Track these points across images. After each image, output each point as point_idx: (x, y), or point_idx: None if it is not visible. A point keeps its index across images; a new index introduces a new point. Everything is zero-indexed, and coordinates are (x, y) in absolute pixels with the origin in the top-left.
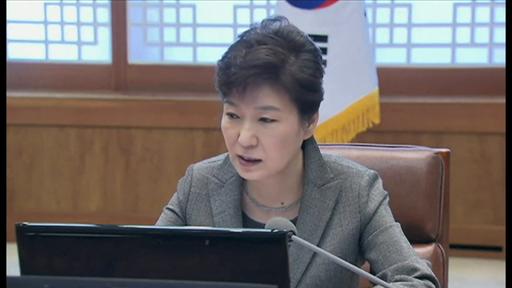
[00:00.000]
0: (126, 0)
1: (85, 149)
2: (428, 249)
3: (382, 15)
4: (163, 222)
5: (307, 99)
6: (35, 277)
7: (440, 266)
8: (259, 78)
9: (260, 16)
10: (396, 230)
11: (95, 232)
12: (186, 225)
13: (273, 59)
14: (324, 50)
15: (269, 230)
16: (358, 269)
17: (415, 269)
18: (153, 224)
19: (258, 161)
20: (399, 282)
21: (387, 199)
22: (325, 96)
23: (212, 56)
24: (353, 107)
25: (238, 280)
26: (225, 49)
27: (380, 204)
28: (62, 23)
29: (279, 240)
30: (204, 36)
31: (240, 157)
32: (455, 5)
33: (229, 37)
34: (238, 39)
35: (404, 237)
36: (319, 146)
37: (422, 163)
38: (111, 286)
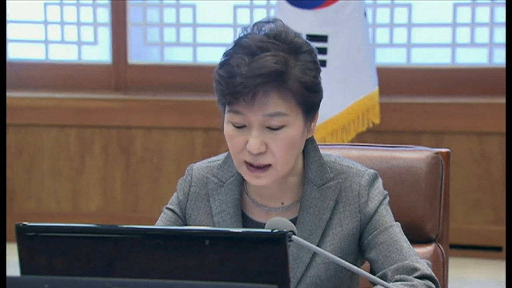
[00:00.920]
0: (126, 0)
1: (85, 149)
2: (428, 249)
3: (382, 15)
4: (163, 222)
5: (311, 100)
6: (35, 277)
7: (440, 266)
8: (267, 86)
9: (260, 16)
10: (396, 230)
11: (95, 232)
12: (186, 225)
13: (279, 66)
14: (324, 50)
15: (269, 230)
16: (358, 269)
17: (415, 269)
18: (153, 224)
19: (267, 166)
20: (399, 282)
21: (387, 198)
22: (325, 96)
23: (212, 56)
24: (353, 107)
25: (238, 280)
26: (225, 49)
27: (380, 204)
28: (62, 23)
29: (279, 240)
30: (204, 36)
31: (249, 164)
32: (455, 5)
33: (229, 37)
34: (234, 44)
35: (404, 237)
36: (319, 146)
37: (422, 163)
38: (111, 286)
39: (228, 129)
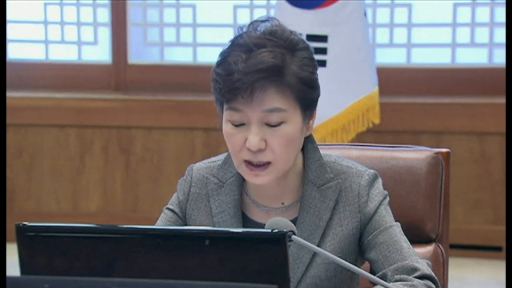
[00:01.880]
0: (126, 0)
1: (85, 149)
2: (428, 249)
3: (382, 15)
4: (163, 222)
5: (308, 96)
6: (35, 277)
7: (440, 266)
8: (265, 81)
9: (260, 16)
10: (396, 230)
11: (95, 232)
12: (186, 225)
13: (277, 61)
14: (324, 50)
15: (269, 230)
16: (358, 269)
17: (415, 269)
18: (153, 224)
19: (267, 164)
20: (399, 282)
21: (387, 199)
22: (325, 96)
23: (212, 56)
24: (353, 107)
25: (238, 280)
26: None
27: (380, 204)
28: (62, 23)
29: (279, 240)
30: (204, 36)
31: (248, 162)
32: (455, 5)
33: (229, 37)
34: (230, 44)
35: (404, 237)
36: (319, 146)
37: (422, 163)
38: (111, 286)
39: (227, 127)
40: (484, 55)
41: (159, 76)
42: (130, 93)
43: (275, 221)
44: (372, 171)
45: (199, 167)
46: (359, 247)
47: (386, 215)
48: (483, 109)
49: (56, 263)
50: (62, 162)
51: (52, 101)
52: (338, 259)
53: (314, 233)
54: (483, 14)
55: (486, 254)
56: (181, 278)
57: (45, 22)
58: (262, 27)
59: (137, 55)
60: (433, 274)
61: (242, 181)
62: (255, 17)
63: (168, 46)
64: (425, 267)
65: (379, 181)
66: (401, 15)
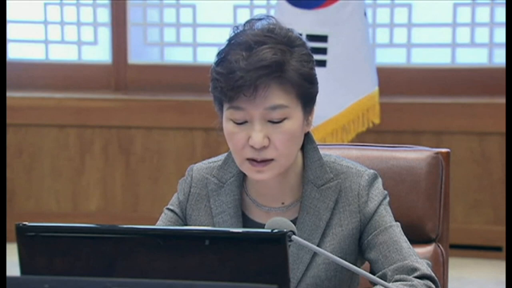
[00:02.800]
0: (126, 0)
1: (85, 149)
2: (428, 249)
3: (382, 15)
4: (163, 222)
5: (309, 92)
6: (35, 277)
7: (440, 266)
8: (267, 78)
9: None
10: (396, 230)
11: (95, 232)
12: (186, 225)
13: (278, 57)
14: (324, 50)
15: (269, 230)
16: (358, 269)
17: (415, 269)
18: (153, 224)
19: (270, 160)
20: (399, 282)
21: (387, 198)
22: (325, 96)
23: (212, 56)
24: (353, 107)
25: (238, 280)
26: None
27: (380, 204)
28: (62, 23)
29: (279, 240)
30: (204, 36)
31: (252, 159)
32: (455, 5)
33: None
34: (228, 43)
35: (404, 237)
36: (319, 146)
37: (422, 163)
38: (111, 286)
39: (228, 126)
40: (484, 55)
41: (159, 76)
42: (130, 93)
43: (275, 221)
44: (372, 171)
45: (199, 167)
46: (359, 247)
47: (386, 215)
48: (483, 109)
49: (56, 263)
50: (62, 162)
51: (52, 101)
52: (338, 259)
53: (314, 233)
54: (483, 14)
55: (486, 254)
56: (181, 278)
57: (45, 22)
58: (259, 25)
59: (137, 55)
60: (433, 274)
61: (242, 181)
62: None
63: (168, 46)
64: (425, 267)
65: (379, 181)
66: (401, 15)
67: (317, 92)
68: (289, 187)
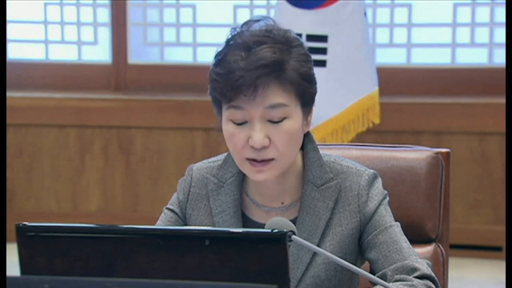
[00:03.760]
0: (126, 0)
1: (85, 149)
2: (428, 249)
3: (382, 15)
4: (163, 222)
5: (308, 91)
6: (35, 277)
7: (440, 266)
8: (267, 77)
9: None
10: (396, 229)
11: (95, 232)
12: (186, 225)
13: (278, 56)
14: (324, 50)
15: (269, 230)
16: (358, 269)
17: (415, 269)
18: (153, 224)
19: (270, 160)
20: (399, 282)
21: (387, 198)
22: (325, 96)
23: (212, 56)
24: (353, 107)
25: (238, 280)
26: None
27: (379, 204)
28: (62, 23)
29: (279, 240)
30: (204, 36)
31: (252, 160)
32: (455, 5)
33: None
34: (226, 44)
35: (404, 237)
36: (319, 146)
37: (422, 163)
38: (111, 286)
39: (228, 127)
40: (484, 55)
41: (159, 76)
42: (130, 93)
43: (275, 221)
44: (371, 171)
45: (199, 167)
46: (359, 247)
47: (386, 215)
48: (483, 109)
49: (56, 263)
50: (62, 162)
51: (52, 101)
52: (338, 259)
53: (314, 233)
54: (483, 14)
55: (486, 254)
56: (181, 278)
57: (45, 22)
58: (257, 26)
59: (137, 55)
60: (433, 274)
61: (242, 181)
62: None
63: (168, 46)
64: (425, 267)
65: (379, 181)
66: (401, 15)
67: (315, 92)
68: (289, 187)
